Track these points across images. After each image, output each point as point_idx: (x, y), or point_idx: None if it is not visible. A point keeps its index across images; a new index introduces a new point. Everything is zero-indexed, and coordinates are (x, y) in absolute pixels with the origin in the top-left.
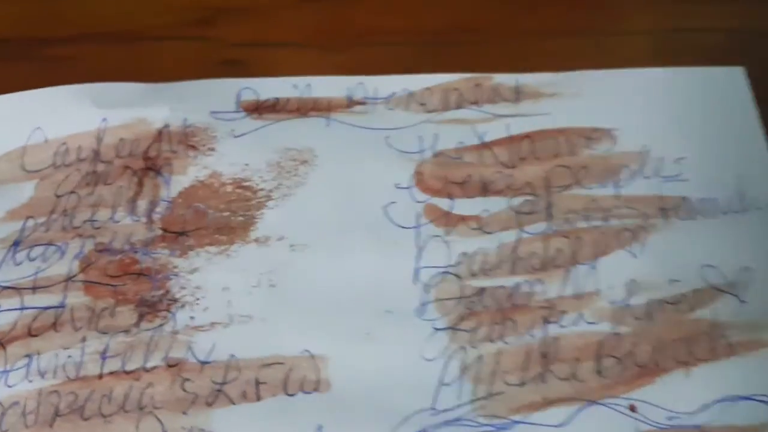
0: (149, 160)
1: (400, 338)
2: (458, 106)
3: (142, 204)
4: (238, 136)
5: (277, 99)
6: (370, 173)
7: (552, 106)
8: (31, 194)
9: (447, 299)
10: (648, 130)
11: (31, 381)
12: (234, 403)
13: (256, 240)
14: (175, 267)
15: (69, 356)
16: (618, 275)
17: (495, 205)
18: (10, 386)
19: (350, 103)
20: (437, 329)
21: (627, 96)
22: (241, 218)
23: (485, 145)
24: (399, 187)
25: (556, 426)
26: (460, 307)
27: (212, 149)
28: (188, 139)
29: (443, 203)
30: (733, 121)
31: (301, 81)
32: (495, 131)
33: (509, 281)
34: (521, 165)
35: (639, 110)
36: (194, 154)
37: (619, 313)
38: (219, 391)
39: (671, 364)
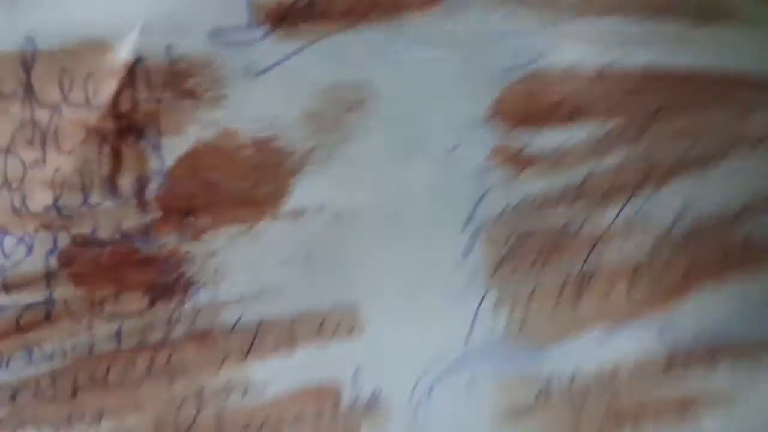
0: (121, 116)
1: (440, 283)
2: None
3: (126, 182)
4: (260, 74)
5: None
6: (442, 110)
7: None
8: None
9: (495, 242)
10: None
11: (37, 366)
12: (268, 357)
13: (288, 214)
14: (188, 252)
15: (77, 341)
16: (676, 203)
17: (579, 135)
18: (12, 376)
19: None
20: (478, 270)
21: None
22: (268, 189)
23: (603, 70)
24: (471, 123)
25: (588, 350)
26: (506, 248)
27: (221, 96)
28: (179, 81)
29: (520, 139)
30: None
31: None
32: (625, 56)
33: (563, 218)
34: (623, 79)
35: None
36: (192, 105)
37: (665, 240)
38: (251, 346)
39: (706, 279)
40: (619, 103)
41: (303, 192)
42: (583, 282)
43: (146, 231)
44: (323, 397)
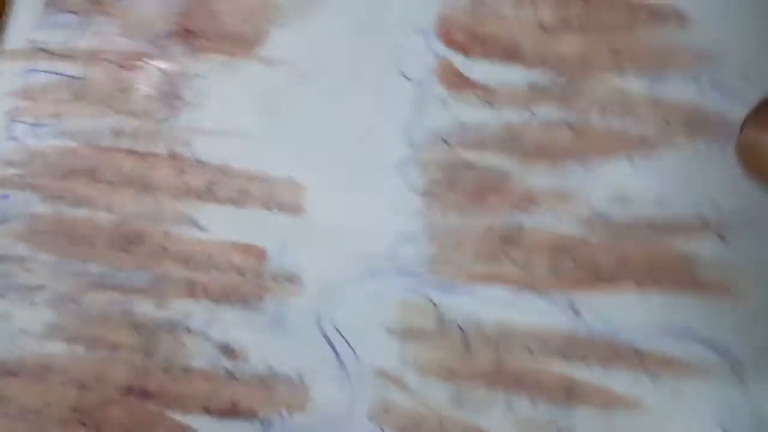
0: None
1: (375, 185)
2: None
3: None
4: None
5: None
6: (393, 7)
7: None
8: None
9: (431, 163)
10: (729, 23)
11: (56, 138)
12: (220, 203)
13: (263, 59)
14: (185, 67)
15: (90, 126)
16: (608, 183)
17: (513, 77)
18: (39, 139)
19: None
20: (412, 189)
21: None
22: (253, 31)
23: None
24: (417, 30)
25: (497, 304)
26: (441, 175)
27: None
28: None
29: (459, 61)
30: None
31: None
32: None
33: (498, 161)
34: (563, 33)
35: None
36: None
37: (595, 222)
38: (209, 190)
39: (628, 281)
40: (548, 49)
41: (276, 42)
42: (507, 239)
43: (164, 38)
44: (253, 255)
